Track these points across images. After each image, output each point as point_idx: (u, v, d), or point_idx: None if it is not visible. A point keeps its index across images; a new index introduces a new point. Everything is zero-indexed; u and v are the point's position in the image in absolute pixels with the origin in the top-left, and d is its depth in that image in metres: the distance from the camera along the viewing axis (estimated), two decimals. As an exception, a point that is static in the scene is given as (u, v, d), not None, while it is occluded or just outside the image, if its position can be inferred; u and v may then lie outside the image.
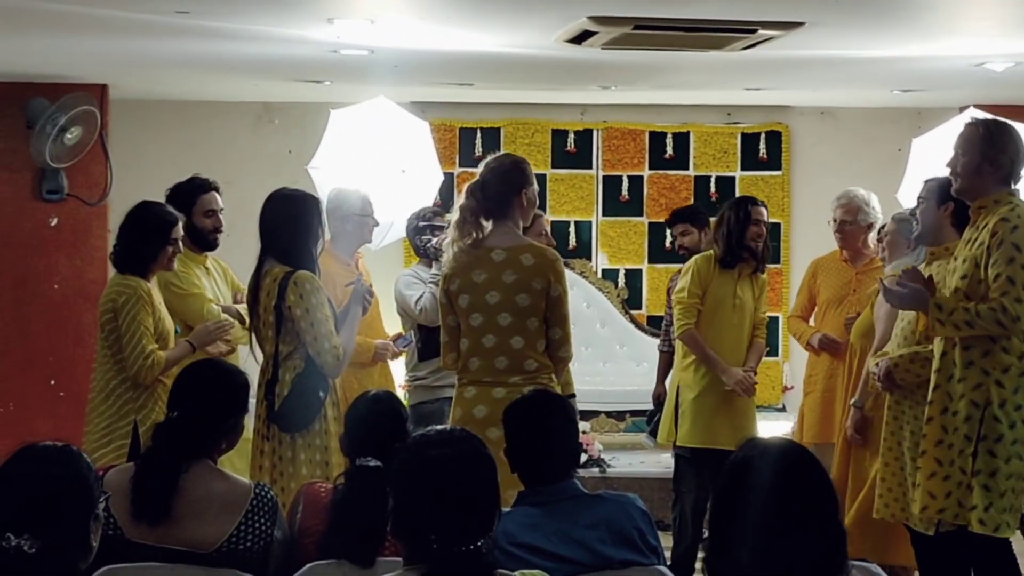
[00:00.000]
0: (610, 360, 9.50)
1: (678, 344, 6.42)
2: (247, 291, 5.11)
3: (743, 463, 2.47)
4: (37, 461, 2.68)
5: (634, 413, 8.80)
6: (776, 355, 9.61)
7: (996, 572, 4.58)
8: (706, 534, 2.51)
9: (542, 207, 8.79)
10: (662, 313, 7.81)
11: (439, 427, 2.75)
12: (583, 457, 7.46)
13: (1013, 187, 4.60)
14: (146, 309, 5.18)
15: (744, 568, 2.39)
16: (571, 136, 9.80)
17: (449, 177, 8.88)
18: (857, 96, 9.34)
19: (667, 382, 7.17)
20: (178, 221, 5.33)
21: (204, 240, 5.74)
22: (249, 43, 6.88)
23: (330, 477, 4.54)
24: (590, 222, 9.83)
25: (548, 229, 6.64)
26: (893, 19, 6.17)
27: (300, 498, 3.76)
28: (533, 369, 4.82)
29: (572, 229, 9.79)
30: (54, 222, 8.54)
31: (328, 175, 6.93)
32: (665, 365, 7.29)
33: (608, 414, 8.92)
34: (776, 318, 9.30)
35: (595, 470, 7.78)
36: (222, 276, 5.90)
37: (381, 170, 6.87)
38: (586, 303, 9.49)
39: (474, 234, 4.88)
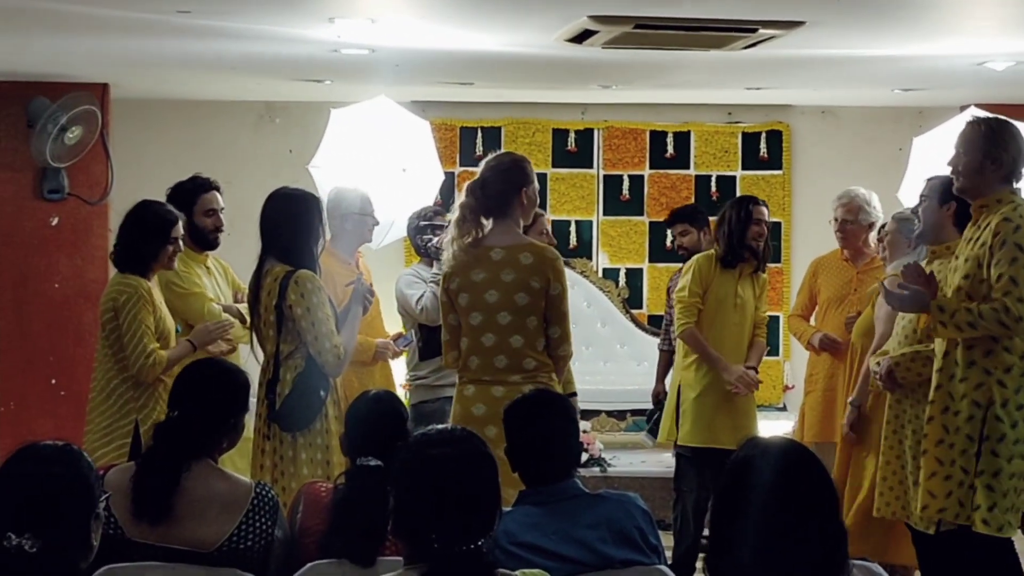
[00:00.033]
0: (611, 359, 9.50)
1: (679, 343, 6.42)
2: (248, 290, 5.11)
3: (744, 462, 2.47)
4: (38, 460, 2.68)
5: (635, 412, 8.80)
6: (777, 354, 9.61)
7: (998, 572, 4.57)
8: (707, 533, 2.51)
9: (543, 206, 8.79)
10: (663, 312, 7.81)
11: (440, 426, 2.76)
12: (584, 456, 7.46)
13: (1015, 185, 4.59)
14: (147, 308, 5.18)
15: (745, 567, 2.39)
16: (572, 135, 9.80)
17: (450, 176, 8.89)
18: (858, 95, 9.33)
19: (667, 381, 7.19)
20: (178, 220, 5.33)
21: (205, 239, 5.74)
22: (250, 42, 6.88)
23: (331, 476, 4.54)
24: (591, 221, 9.83)
25: (549, 228, 6.65)
26: (894, 18, 6.17)
27: (301, 497, 3.76)
28: (532, 368, 4.82)
29: (573, 228, 9.79)
30: (55, 221, 8.54)
31: (329, 174, 6.93)
32: (665, 364, 7.31)
33: (609, 413, 8.92)
34: (777, 317, 9.30)
35: (596, 469, 7.79)
36: (223, 275, 5.90)
37: (382, 169, 6.87)
38: (587, 302, 9.49)
39: (474, 233, 4.87)
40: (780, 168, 9.87)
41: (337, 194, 6.10)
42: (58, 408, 8.36)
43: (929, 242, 5.14)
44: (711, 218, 7.30)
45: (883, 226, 6.25)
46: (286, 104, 9.57)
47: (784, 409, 9.41)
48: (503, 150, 5.56)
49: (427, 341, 6.21)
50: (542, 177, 9.35)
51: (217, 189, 5.80)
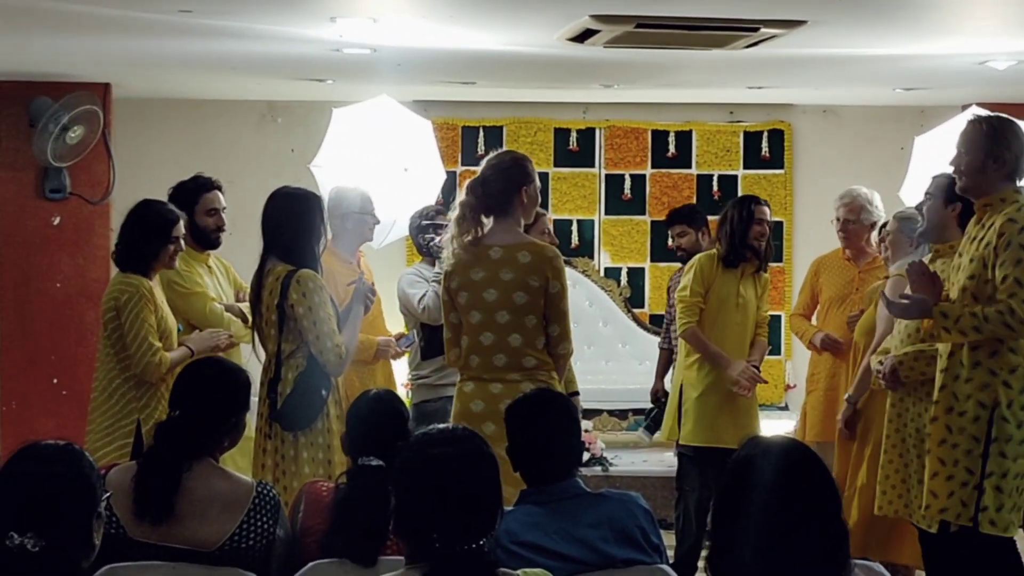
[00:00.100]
0: (612, 359, 9.51)
1: (681, 343, 6.42)
2: (250, 290, 5.11)
3: (745, 462, 2.47)
4: (39, 460, 2.68)
5: (636, 412, 8.79)
6: (779, 354, 9.61)
7: (1000, 571, 4.57)
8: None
9: (544, 206, 8.78)
10: (664, 312, 7.80)
11: (441, 426, 2.76)
12: (585, 456, 7.46)
13: (1018, 184, 4.58)
14: (149, 307, 5.18)
15: (746, 567, 2.39)
16: (573, 135, 9.80)
17: (451, 176, 8.88)
18: (860, 94, 9.33)
19: (667, 380, 7.20)
20: (179, 219, 5.33)
21: (207, 239, 5.74)
22: (252, 42, 6.88)
23: (332, 476, 4.54)
24: (593, 221, 9.83)
25: (551, 228, 6.64)
26: (895, 17, 6.16)
27: (302, 497, 3.76)
28: (532, 366, 4.82)
29: (575, 228, 9.79)
30: (56, 221, 8.54)
31: (331, 174, 6.92)
32: (664, 362, 7.32)
33: (611, 412, 8.92)
34: (778, 317, 9.30)
35: (597, 469, 7.79)
36: (224, 275, 5.90)
37: (383, 169, 6.87)
38: (588, 302, 9.50)
39: (474, 231, 4.87)
40: (782, 167, 9.87)
41: (337, 193, 6.10)
42: (60, 407, 8.37)
43: (932, 240, 5.13)
44: (710, 217, 7.30)
45: (884, 225, 6.25)
46: (288, 103, 9.57)
47: (786, 408, 9.41)
48: (505, 149, 5.56)
49: (429, 340, 6.20)
50: (544, 176, 9.35)
51: (219, 188, 5.80)
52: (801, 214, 9.82)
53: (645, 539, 3.55)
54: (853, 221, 6.61)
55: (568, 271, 4.98)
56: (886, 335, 5.41)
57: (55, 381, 8.51)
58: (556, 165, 9.77)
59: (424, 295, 6.19)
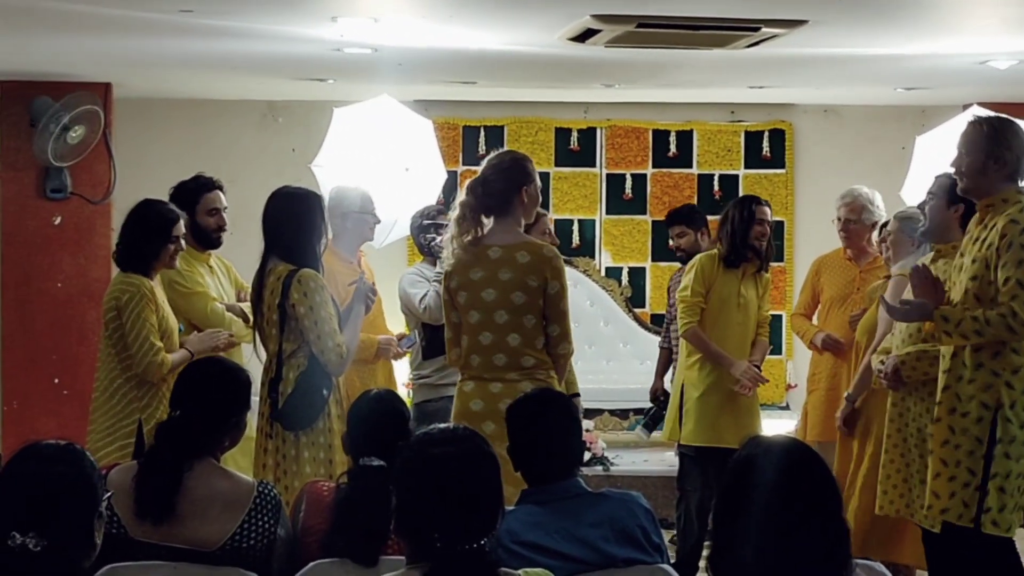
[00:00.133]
0: (614, 358, 9.51)
1: (682, 343, 6.42)
2: (251, 289, 5.11)
3: (747, 461, 2.47)
4: (40, 460, 2.68)
5: (637, 411, 8.78)
6: (780, 353, 9.61)
7: (1000, 571, 4.57)
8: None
9: (545, 205, 8.79)
10: (665, 311, 7.81)
11: (442, 425, 2.75)
12: (587, 455, 7.46)
13: (1020, 184, 4.57)
14: (150, 307, 5.18)
15: (747, 566, 2.39)
16: (574, 134, 9.81)
17: (452, 176, 8.88)
18: (861, 94, 9.33)
19: (667, 379, 7.20)
20: (179, 219, 5.33)
21: (208, 239, 5.74)
22: (253, 42, 6.88)
23: (333, 475, 4.54)
24: (594, 220, 9.83)
25: (552, 227, 6.64)
26: (896, 17, 6.16)
27: (303, 497, 3.76)
28: (531, 365, 4.82)
29: (576, 227, 9.79)
30: (58, 220, 8.55)
31: (332, 173, 6.92)
32: (664, 362, 7.32)
33: (612, 412, 8.92)
34: (780, 316, 9.30)
35: (599, 468, 7.79)
36: (226, 274, 5.90)
37: (384, 168, 6.86)
38: (589, 301, 9.50)
39: (473, 231, 4.88)
40: (783, 167, 9.87)
41: (337, 193, 6.10)
42: (61, 407, 8.37)
43: (934, 241, 5.13)
44: (711, 217, 7.30)
45: (884, 225, 6.24)
46: (289, 103, 9.58)
47: (787, 408, 9.41)
48: (505, 149, 5.57)
49: (431, 340, 6.20)
50: (545, 176, 9.35)
51: (220, 188, 5.80)
52: (802, 214, 9.83)
53: (646, 539, 3.55)
54: (854, 221, 6.61)
55: (569, 271, 4.99)
56: (887, 334, 5.40)
57: (56, 381, 8.51)
58: (557, 165, 9.77)
59: (425, 295, 6.19)
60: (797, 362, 9.47)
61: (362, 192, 6.08)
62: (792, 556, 2.38)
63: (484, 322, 4.84)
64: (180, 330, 5.43)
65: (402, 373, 6.83)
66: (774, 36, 6.38)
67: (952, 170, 4.68)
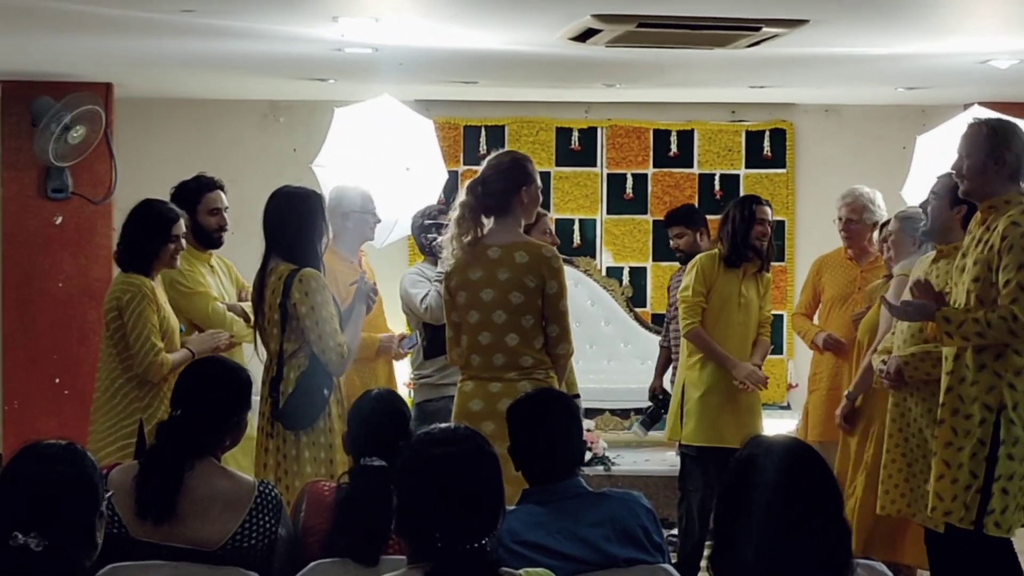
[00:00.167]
0: (614, 358, 9.51)
1: (683, 342, 6.42)
2: (252, 289, 5.11)
3: (748, 461, 2.47)
4: (41, 460, 2.68)
5: (638, 411, 8.76)
6: (781, 353, 9.61)
7: (999, 571, 4.56)
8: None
9: (546, 205, 8.79)
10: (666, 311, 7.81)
11: (443, 425, 2.75)
12: (588, 455, 7.46)
13: (1022, 185, 4.57)
14: (151, 307, 5.18)
15: (748, 566, 2.39)
16: (575, 134, 9.81)
17: (453, 175, 8.88)
18: (862, 94, 9.33)
19: (667, 379, 7.20)
20: (180, 218, 5.33)
21: (209, 238, 5.74)
22: (254, 41, 6.88)
23: (334, 475, 4.54)
24: (594, 220, 9.83)
25: (552, 228, 6.64)
26: (897, 17, 6.16)
27: (304, 496, 3.76)
28: (530, 365, 4.83)
29: (576, 227, 9.79)
30: (59, 220, 8.55)
31: (332, 173, 6.93)
32: (664, 360, 7.32)
33: (612, 412, 8.92)
34: (781, 316, 9.30)
35: (599, 468, 7.79)
36: (227, 274, 5.90)
37: (385, 168, 6.87)
38: (590, 301, 9.50)
39: (473, 231, 4.88)
40: (784, 167, 9.87)
41: (338, 192, 6.11)
42: (62, 407, 8.37)
43: (936, 241, 5.12)
44: (712, 217, 7.29)
45: (884, 224, 6.24)
46: (290, 103, 9.58)
47: (788, 408, 9.41)
48: (506, 149, 5.57)
49: (432, 340, 6.20)
50: (545, 176, 9.35)
51: (221, 188, 5.80)
52: (803, 213, 9.82)
53: (647, 538, 3.55)
54: (855, 220, 6.61)
55: (570, 270, 4.99)
56: (887, 334, 5.40)
57: (57, 381, 8.51)
58: (558, 164, 9.77)
59: (426, 295, 6.19)
60: (798, 362, 9.46)
61: (362, 191, 6.08)
62: (793, 556, 2.38)
63: (483, 322, 4.85)
64: (181, 330, 5.43)
65: (403, 373, 6.83)
66: (775, 36, 6.38)
67: (954, 171, 4.68)
